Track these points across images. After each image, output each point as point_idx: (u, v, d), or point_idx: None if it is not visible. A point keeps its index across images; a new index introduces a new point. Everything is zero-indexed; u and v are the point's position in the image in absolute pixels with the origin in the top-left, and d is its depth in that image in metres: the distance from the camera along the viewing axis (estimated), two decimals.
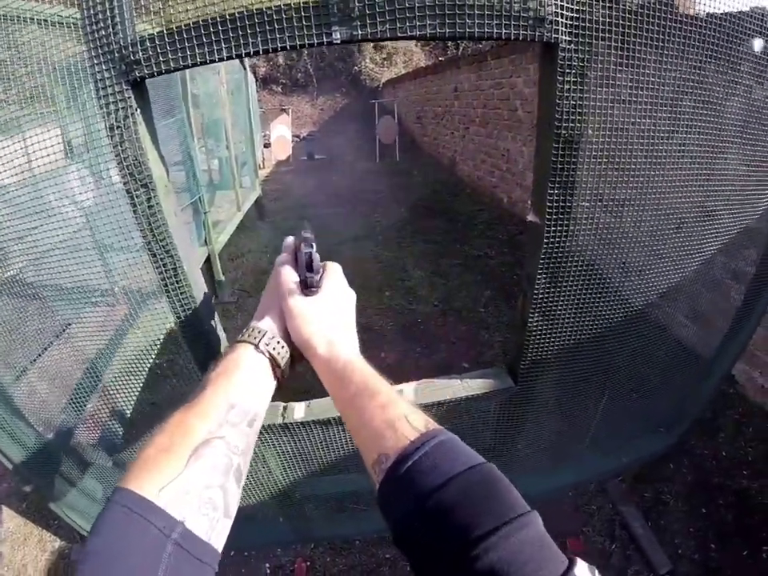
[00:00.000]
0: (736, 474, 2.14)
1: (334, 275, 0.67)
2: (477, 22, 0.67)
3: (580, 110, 0.77)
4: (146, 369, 1.39)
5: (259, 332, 0.59)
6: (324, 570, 2.15)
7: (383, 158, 9.61)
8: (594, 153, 0.84)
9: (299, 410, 1.11)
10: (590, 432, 1.58)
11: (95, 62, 0.68)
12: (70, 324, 1.47)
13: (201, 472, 0.44)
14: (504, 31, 0.69)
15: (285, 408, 1.12)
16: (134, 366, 1.43)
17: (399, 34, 0.67)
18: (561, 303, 1.03)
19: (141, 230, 0.76)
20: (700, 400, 1.86)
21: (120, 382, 1.43)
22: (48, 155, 0.90)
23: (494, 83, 5.74)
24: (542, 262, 0.94)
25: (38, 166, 0.97)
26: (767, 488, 2.05)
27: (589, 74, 0.75)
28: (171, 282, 0.84)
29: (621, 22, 0.75)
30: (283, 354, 0.60)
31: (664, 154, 0.98)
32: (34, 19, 0.86)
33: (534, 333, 1.06)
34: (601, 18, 0.74)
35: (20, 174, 1.03)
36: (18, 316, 1.46)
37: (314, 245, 0.66)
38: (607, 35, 0.75)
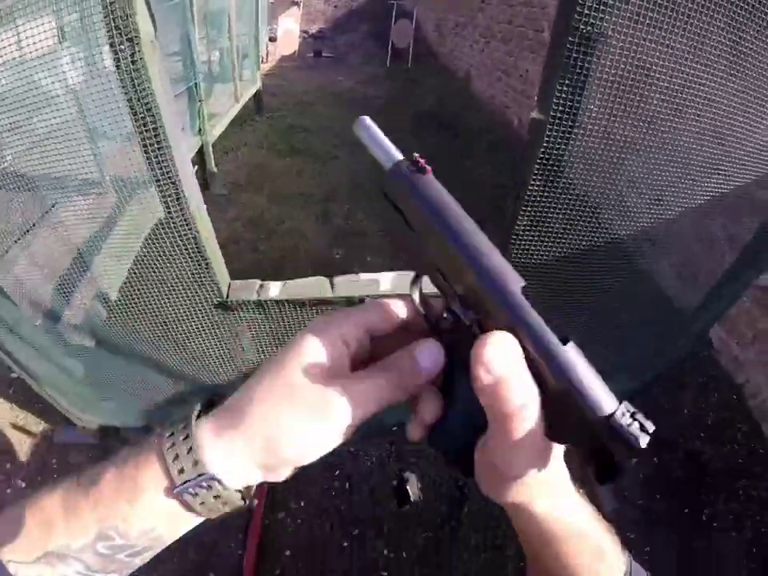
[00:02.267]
0: (692, 436, 2.21)
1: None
2: None
3: (603, 9, 0.71)
4: (132, 253, 1.40)
5: (195, 469, 0.34)
6: None
7: (394, 63, 9.10)
8: (610, 67, 0.79)
9: (274, 289, 1.13)
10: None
11: None
12: (57, 209, 1.48)
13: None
14: None
15: (261, 286, 1.15)
16: (120, 249, 1.45)
17: None
18: (550, 212, 0.99)
19: (122, 87, 0.73)
20: (672, 353, 1.89)
21: (106, 268, 1.46)
22: (41, 42, 0.87)
23: (524, 0, 5.31)
24: (539, 161, 0.90)
25: (31, 54, 0.94)
26: (719, 455, 2.11)
27: None
28: (152, 143, 0.80)
29: None
30: (216, 505, 0.37)
31: (685, 96, 0.91)
32: None
33: (519, 237, 1.04)
34: None
35: (13, 66, 1.00)
36: (8, 206, 1.47)
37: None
38: None
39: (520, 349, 0.31)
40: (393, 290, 1.12)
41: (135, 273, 1.37)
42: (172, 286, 1.20)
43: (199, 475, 0.34)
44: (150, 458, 0.37)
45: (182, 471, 0.35)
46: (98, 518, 0.37)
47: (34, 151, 1.20)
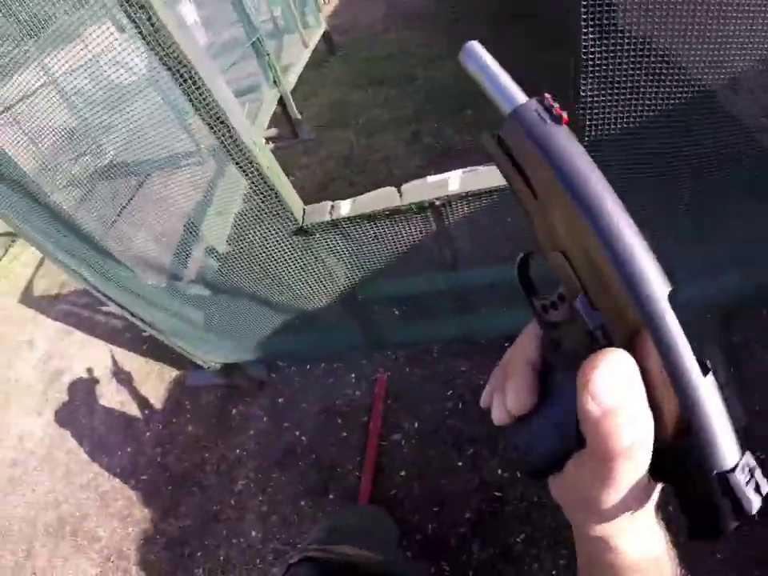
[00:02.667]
0: None
1: None
2: None
3: None
4: (232, 210, 1.51)
5: None
6: (402, 379, 2.39)
7: None
8: None
9: (345, 207, 1.12)
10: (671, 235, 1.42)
11: None
12: (163, 183, 1.62)
13: None
14: None
15: (332, 206, 1.15)
16: (223, 208, 1.59)
17: None
18: (615, 67, 0.88)
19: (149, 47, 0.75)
20: None
21: (213, 225, 1.60)
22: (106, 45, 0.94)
23: None
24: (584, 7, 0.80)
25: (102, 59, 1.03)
26: None
27: None
28: (192, 91, 0.85)
29: None
30: None
31: None
32: None
33: (588, 104, 0.96)
34: None
35: (91, 75, 1.10)
36: (120, 193, 1.65)
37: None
38: None
39: (639, 377, 0.25)
40: (462, 189, 1.07)
41: (237, 228, 1.49)
42: (256, 223, 1.26)
43: None
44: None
45: None
46: None
47: (133, 141, 1.31)
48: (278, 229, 1.22)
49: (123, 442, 2.85)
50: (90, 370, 3.49)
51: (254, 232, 1.29)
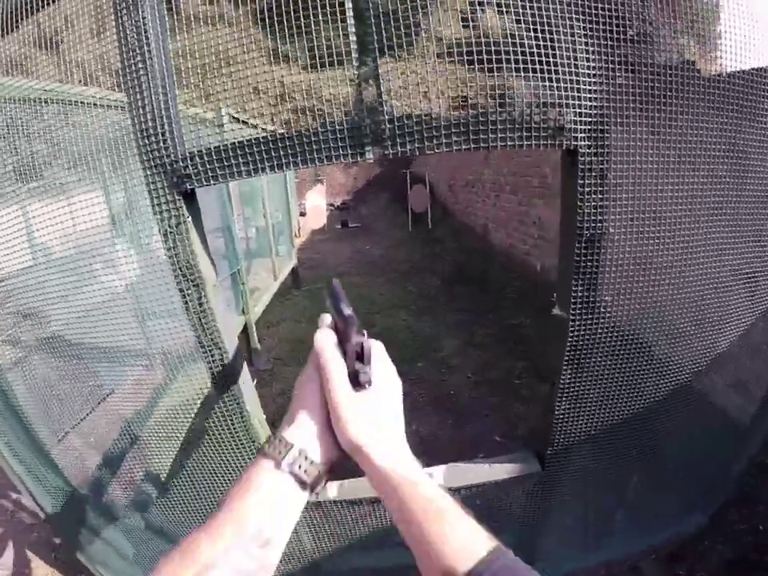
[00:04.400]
0: None
1: (381, 363, 0.60)
2: (500, 135, 0.73)
3: (602, 211, 0.81)
4: (181, 431, 1.43)
5: (285, 446, 0.53)
6: None
7: (416, 227, 9.84)
8: (617, 249, 0.87)
9: (332, 490, 1.12)
10: (620, 511, 1.55)
11: (148, 173, 0.76)
12: (105, 386, 1.55)
13: None
14: (526, 142, 0.74)
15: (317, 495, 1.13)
16: (168, 427, 1.47)
17: (427, 151, 0.73)
18: (588, 390, 1.04)
19: (191, 325, 0.82)
20: (736, 475, 1.79)
21: (154, 444, 1.48)
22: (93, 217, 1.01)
23: (525, 151, 5.89)
24: (567, 353, 0.97)
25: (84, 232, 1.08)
26: None
27: (609, 175, 0.79)
28: (218, 369, 0.89)
29: (640, 119, 0.79)
30: (312, 471, 0.54)
31: (692, 239, 0.99)
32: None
33: (561, 420, 1.07)
34: (619, 119, 0.78)
35: (66, 239, 1.13)
36: (55, 374, 1.56)
37: (365, 332, 0.57)
38: (627, 134, 0.80)
39: (333, 337, 0.59)
40: (445, 483, 1.11)
41: (185, 451, 1.41)
42: (223, 466, 1.22)
43: (291, 447, 0.53)
44: (258, 462, 0.54)
45: (280, 452, 0.53)
46: (235, 515, 0.50)
47: (83, 321, 1.29)
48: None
49: None
50: None
51: (219, 473, 1.22)
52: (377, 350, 0.59)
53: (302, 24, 0.70)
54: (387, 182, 12.60)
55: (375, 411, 0.55)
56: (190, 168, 0.73)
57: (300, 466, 0.53)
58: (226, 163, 0.72)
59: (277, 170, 0.71)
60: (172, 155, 0.74)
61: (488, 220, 7.73)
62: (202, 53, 0.77)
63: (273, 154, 0.71)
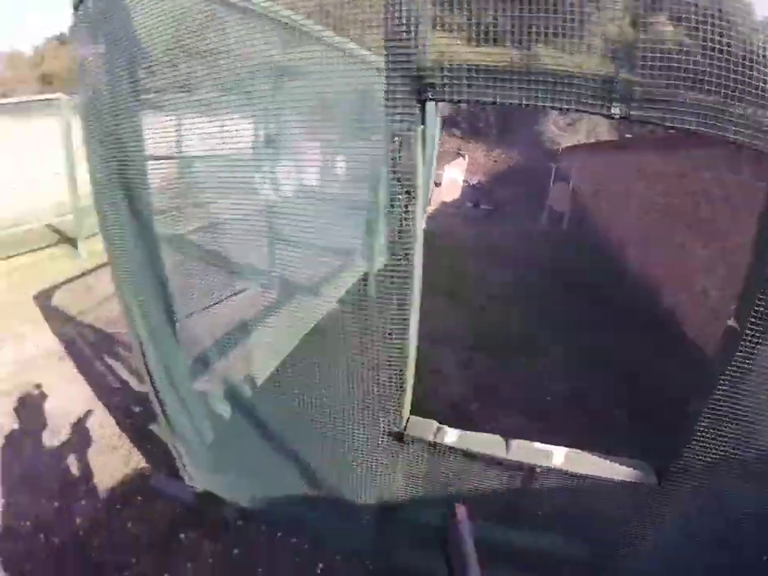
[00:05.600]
0: None
1: None
2: (737, 129, 0.70)
3: None
4: (283, 352, 1.56)
5: None
6: None
7: (550, 223, 9.45)
8: None
9: (451, 436, 1.18)
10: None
11: (391, 75, 0.79)
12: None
13: None
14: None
15: (438, 429, 1.20)
16: (276, 346, 1.62)
17: (667, 123, 0.72)
18: (738, 413, 1.00)
19: (390, 229, 0.90)
20: None
21: (261, 354, 1.66)
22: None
23: (680, 172, 5.40)
24: (730, 368, 0.94)
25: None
26: None
27: None
28: (400, 281, 0.97)
29: None
30: None
31: None
32: None
33: (699, 440, 1.05)
34: None
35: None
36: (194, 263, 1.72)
37: None
38: None
39: None
40: (564, 465, 1.11)
41: (318, 366, 1.41)
42: (355, 399, 1.26)
43: None
44: None
45: None
46: None
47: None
48: (377, 421, 1.24)
49: (51, 492, 2.63)
50: (58, 403, 3.39)
51: (347, 402, 1.28)
52: None
53: None
54: (528, 171, 12.12)
55: None
56: (437, 78, 0.78)
57: None
58: (474, 82, 0.75)
59: (522, 103, 0.74)
60: (421, 62, 0.77)
61: (628, 236, 7.29)
62: None
63: (523, 85, 0.73)
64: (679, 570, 1.49)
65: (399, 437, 1.22)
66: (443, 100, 0.81)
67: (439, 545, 0.47)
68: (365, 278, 1.13)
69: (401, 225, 0.88)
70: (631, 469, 1.16)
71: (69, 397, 3.46)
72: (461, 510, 0.49)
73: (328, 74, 1.02)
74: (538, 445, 1.18)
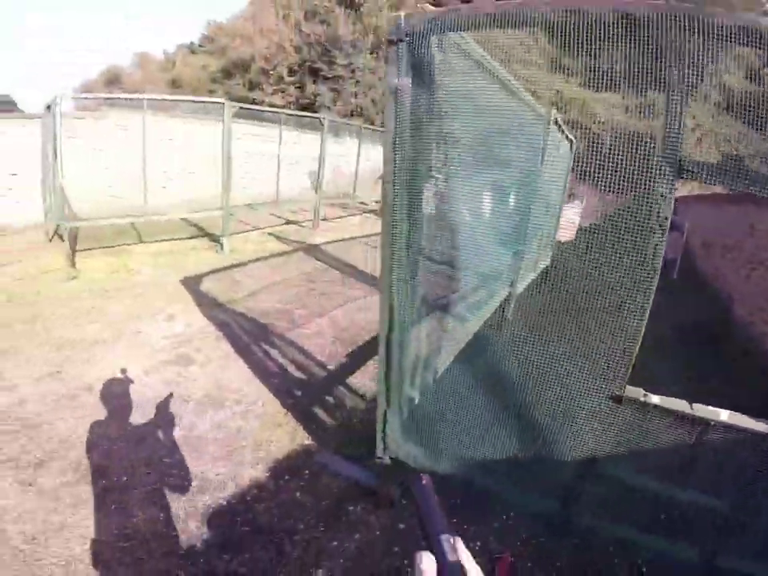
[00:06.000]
0: None
1: None
2: None
3: None
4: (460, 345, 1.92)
5: None
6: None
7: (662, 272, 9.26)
8: None
9: (655, 398, 1.71)
10: None
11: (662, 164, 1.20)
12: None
13: None
14: None
15: (645, 394, 1.72)
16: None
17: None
18: None
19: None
20: None
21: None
22: None
23: None
24: None
25: None
26: None
27: None
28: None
29: None
30: None
31: None
32: None
33: None
34: None
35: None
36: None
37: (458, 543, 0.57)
38: None
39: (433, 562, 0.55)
40: (729, 420, 1.68)
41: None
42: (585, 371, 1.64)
43: None
44: None
45: None
46: None
47: None
48: (598, 386, 1.73)
49: (218, 457, 2.91)
50: (220, 376, 3.80)
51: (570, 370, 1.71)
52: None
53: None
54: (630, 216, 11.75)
55: None
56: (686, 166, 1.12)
57: None
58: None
59: None
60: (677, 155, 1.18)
61: (735, 291, 7.41)
62: None
63: None
64: None
65: (619, 399, 1.69)
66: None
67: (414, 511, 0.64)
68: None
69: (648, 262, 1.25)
70: None
71: (229, 373, 3.89)
72: (426, 478, 0.66)
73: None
74: (710, 408, 1.69)
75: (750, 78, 1.15)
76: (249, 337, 4.68)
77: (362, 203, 12.22)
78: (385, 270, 1.90)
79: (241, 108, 7.21)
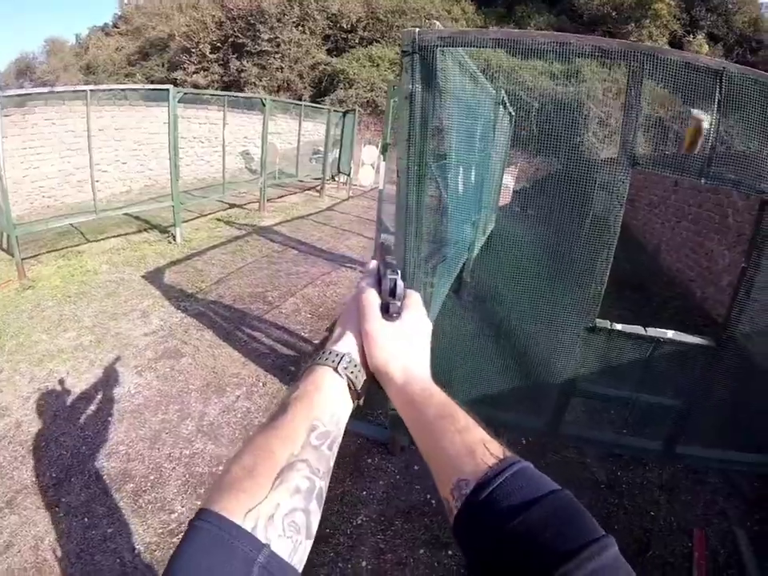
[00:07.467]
0: None
1: (414, 304, 0.66)
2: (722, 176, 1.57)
3: None
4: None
5: (337, 355, 0.59)
6: None
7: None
8: None
9: (618, 326, 2.22)
10: None
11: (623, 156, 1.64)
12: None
13: (285, 495, 0.44)
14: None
15: (611, 324, 2.23)
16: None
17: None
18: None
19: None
20: None
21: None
22: None
23: (713, 188, 6.16)
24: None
25: None
26: None
27: None
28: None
29: None
30: (360, 377, 0.59)
31: None
32: None
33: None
34: None
35: None
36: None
37: (398, 271, 0.65)
38: None
39: (373, 278, 0.68)
40: (673, 337, 2.24)
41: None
42: (562, 297, 2.14)
43: (343, 355, 0.59)
44: (314, 368, 0.59)
45: (333, 360, 0.59)
46: (305, 415, 0.52)
47: None
48: (575, 319, 2.24)
49: (234, 440, 3.00)
50: (213, 364, 3.85)
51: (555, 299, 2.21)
52: (414, 298, 0.68)
53: None
54: (568, 180, 12.52)
55: (401, 339, 0.61)
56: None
57: (352, 372, 0.59)
58: None
59: None
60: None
61: (662, 241, 8.19)
62: None
63: None
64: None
65: (592, 329, 2.22)
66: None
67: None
68: None
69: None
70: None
71: (221, 360, 3.92)
72: (373, 263, 0.74)
73: None
74: (660, 329, 2.23)
75: None
76: (229, 323, 4.68)
77: (300, 181, 12.29)
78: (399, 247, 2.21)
79: (185, 94, 6.99)
